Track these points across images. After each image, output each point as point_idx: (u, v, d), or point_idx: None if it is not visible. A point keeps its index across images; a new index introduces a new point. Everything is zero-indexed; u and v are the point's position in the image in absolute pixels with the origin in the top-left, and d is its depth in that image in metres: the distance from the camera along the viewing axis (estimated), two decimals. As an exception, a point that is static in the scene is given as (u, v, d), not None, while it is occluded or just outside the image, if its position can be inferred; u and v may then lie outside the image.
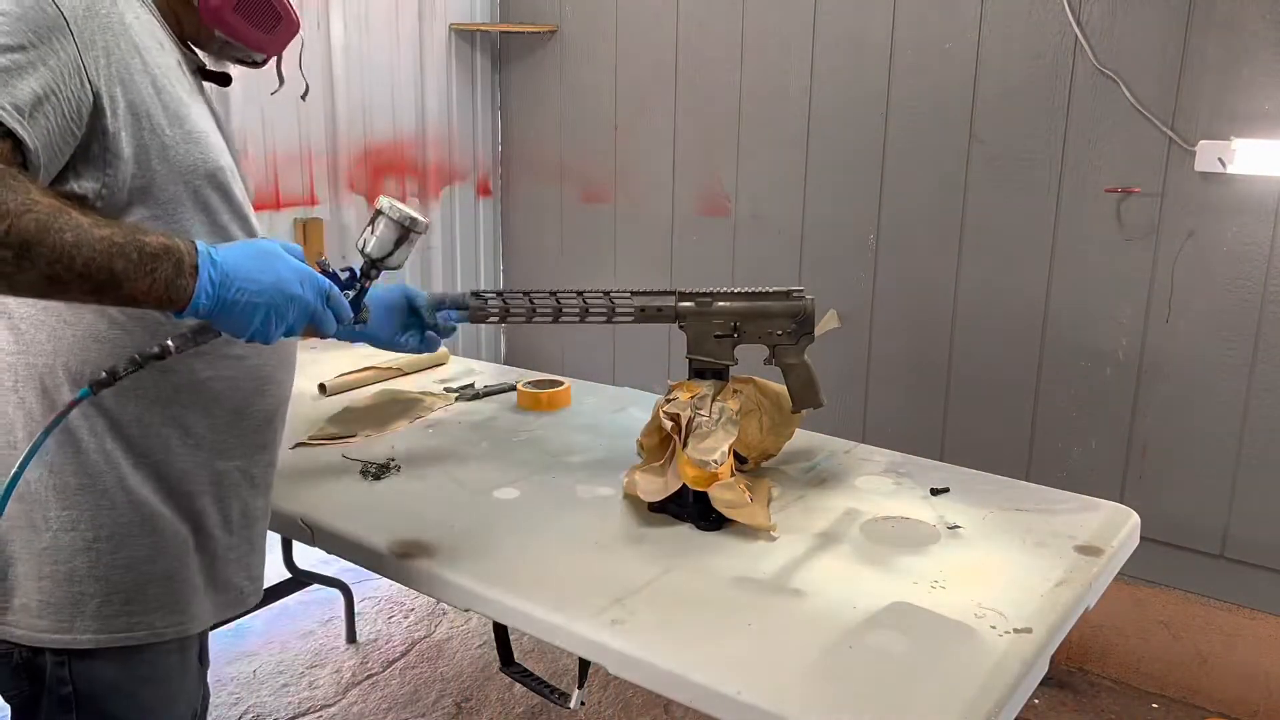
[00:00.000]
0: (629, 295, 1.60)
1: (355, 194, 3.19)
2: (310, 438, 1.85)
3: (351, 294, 1.26)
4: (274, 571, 2.89)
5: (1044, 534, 1.48)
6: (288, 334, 1.11)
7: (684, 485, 1.47)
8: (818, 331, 1.62)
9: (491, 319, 1.64)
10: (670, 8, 3.15)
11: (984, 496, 1.62)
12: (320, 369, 2.28)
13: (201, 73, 1.28)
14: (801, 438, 1.81)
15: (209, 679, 1.38)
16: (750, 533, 1.46)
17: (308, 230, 3.01)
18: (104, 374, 1.06)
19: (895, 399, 2.91)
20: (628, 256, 3.42)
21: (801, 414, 1.68)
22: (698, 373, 1.60)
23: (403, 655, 2.75)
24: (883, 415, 2.93)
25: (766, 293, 1.60)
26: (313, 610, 2.95)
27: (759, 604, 1.28)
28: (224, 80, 1.33)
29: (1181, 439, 2.48)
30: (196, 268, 1.02)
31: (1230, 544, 2.47)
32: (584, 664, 1.37)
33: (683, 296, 1.60)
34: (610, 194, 3.42)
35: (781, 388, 1.65)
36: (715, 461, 1.44)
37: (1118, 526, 1.52)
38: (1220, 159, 2.29)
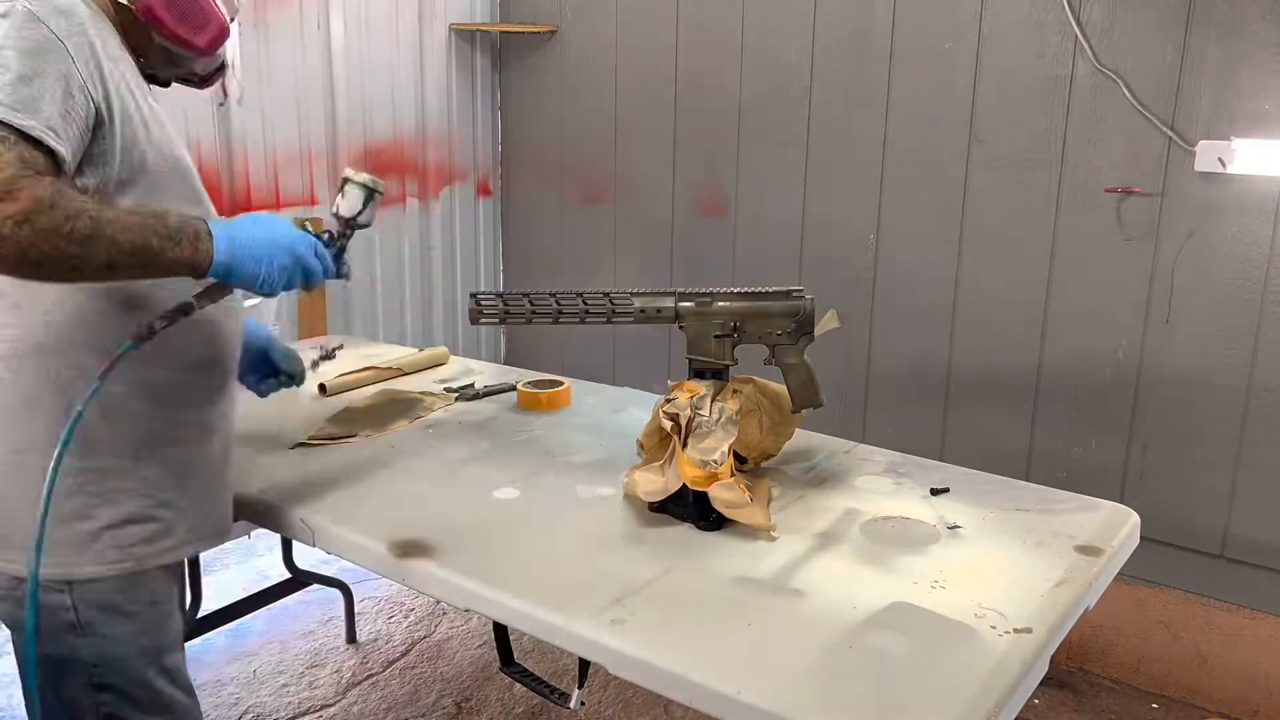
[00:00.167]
0: (629, 296, 1.60)
1: (355, 194, 3.19)
2: (310, 438, 1.85)
3: (333, 251, 1.42)
4: (274, 571, 2.91)
5: (1044, 534, 1.48)
6: (288, 286, 1.32)
7: (684, 485, 1.47)
8: (818, 331, 1.62)
9: (491, 320, 1.64)
10: (670, 8, 3.15)
11: (984, 496, 1.62)
12: (321, 369, 2.28)
13: (148, 79, 1.42)
14: (801, 438, 1.81)
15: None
16: (750, 533, 1.46)
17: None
18: (144, 328, 1.25)
19: (895, 398, 2.91)
20: (628, 256, 3.42)
21: (801, 414, 1.67)
22: (698, 373, 1.60)
23: (403, 655, 2.75)
24: (883, 415, 2.93)
25: (766, 293, 1.60)
26: (313, 610, 2.95)
27: (759, 604, 1.28)
28: (164, 82, 1.48)
29: (1181, 439, 2.48)
30: (211, 234, 1.23)
31: (1230, 544, 2.47)
32: (584, 664, 1.37)
33: (683, 296, 1.60)
34: (610, 194, 3.42)
35: (781, 388, 1.65)
36: (715, 461, 1.44)
37: (1118, 526, 1.52)
38: (1220, 159, 2.29)
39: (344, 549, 1.50)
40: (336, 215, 1.46)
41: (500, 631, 1.57)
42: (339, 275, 1.44)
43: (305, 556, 2.70)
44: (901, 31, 2.73)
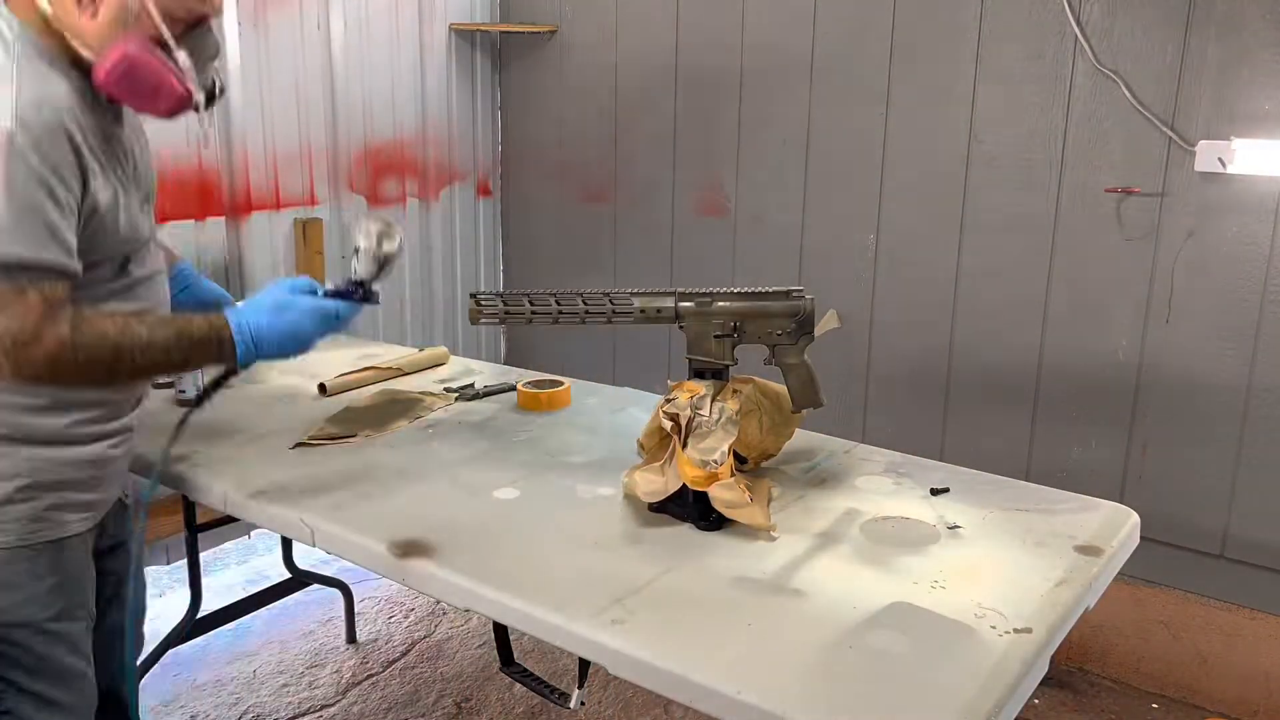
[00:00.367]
0: (629, 296, 1.60)
1: (355, 194, 3.19)
2: (310, 438, 1.85)
3: (358, 296, 1.54)
4: (274, 571, 2.92)
5: (1044, 534, 1.48)
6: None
7: (684, 485, 1.47)
8: (818, 331, 1.62)
9: (491, 320, 1.64)
10: (670, 8, 3.15)
11: (984, 496, 1.62)
12: (320, 369, 2.29)
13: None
14: (801, 438, 1.81)
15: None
16: (750, 533, 1.46)
17: (307, 230, 3.01)
18: (200, 393, 1.59)
19: (895, 399, 2.91)
20: (628, 256, 3.42)
21: (801, 414, 1.67)
22: (698, 373, 1.60)
23: (403, 655, 2.75)
24: (883, 415, 2.93)
25: (766, 293, 1.60)
26: (313, 610, 2.95)
27: (759, 604, 1.28)
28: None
29: (1181, 439, 2.48)
30: (234, 341, 1.38)
31: (1230, 544, 2.47)
32: (584, 664, 1.37)
33: (683, 296, 1.60)
34: (610, 194, 3.42)
35: (781, 388, 1.65)
36: (715, 461, 1.44)
37: (1118, 526, 1.52)
38: (1220, 159, 2.29)
39: (344, 549, 1.50)
40: (351, 278, 1.55)
41: (500, 631, 1.57)
42: (376, 303, 1.58)
43: (305, 556, 2.70)
44: (901, 31, 2.73)
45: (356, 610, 2.85)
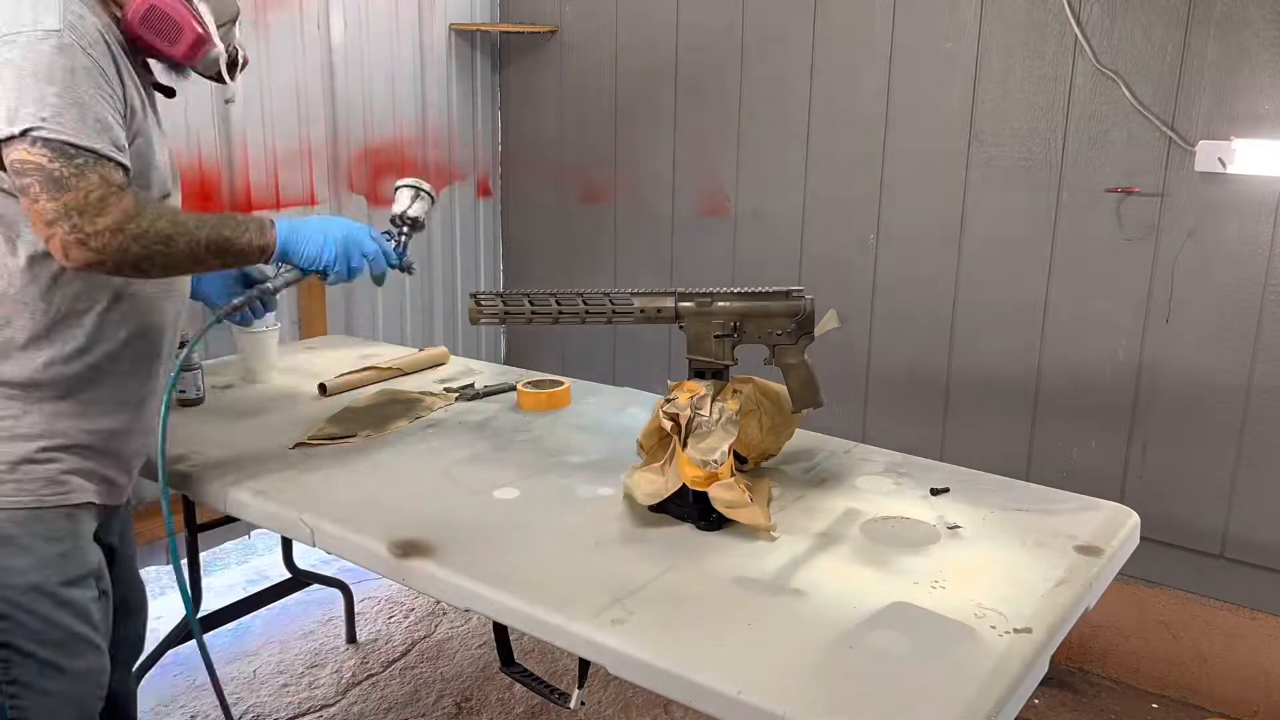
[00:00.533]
0: (629, 296, 1.60)
1: (355, 194, 3.19)
2: (310, 438, 1.85)
3: (393, 245, 1.66)
4: (274, 571, 2.91)
5: (1044, 534, 1.48)
6: (350, 269, 1.56)
7: (684, 485, 1.47)
8: (818, 331, 1.62)
9: (491, 320, 1.64)
10: (670, 8, 3.15)
11: (984, 496, 1.62)
12: (320, 369, 2.29)
13: (154, 85, 1.53)
14: (801, 438, 1.81)
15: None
16: (750, 533, 1.46)
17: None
18: (230, 306, 1.58)
19: (895, 399, 2.91)
20: (628, 256, 3.42)
21: (802, 414, 1.68)
22: (698, 373, 1.60)
23: (403, 655, 2.75)
24: (882, 415, 2.93)
25: (766, 293, 1.60)
26: (313, 610, 2.95)
27: (759, 604, 1.28)
28: (170, 92, 1.57)
29: (1181, 439, 2.48)
30: (273, 222, 1.48)
31: (1230, 544, 2.47)
32: (584, 664, 1.37)
33: (683, 296, 1.60)
34: (610, 194, 3.42)
35: (781, 388, 1.65)
36: (715, 461, 1.44)
37: (1118, 526, 1.52)
38: (1220, 159, 2.29)
39: (344, 549, 1.50)
40: (402, 216, 1.70)
41: (500, 631, 1.57)
42: (401, 266, 1.67)
43: (305, 556, 2.70)
44: (901, 31, 2.73)
45: (356, 610, 2.85)
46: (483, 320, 1.64)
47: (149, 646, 2.02)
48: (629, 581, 1.32)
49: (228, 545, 3.13)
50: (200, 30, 1.46)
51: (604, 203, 3.43)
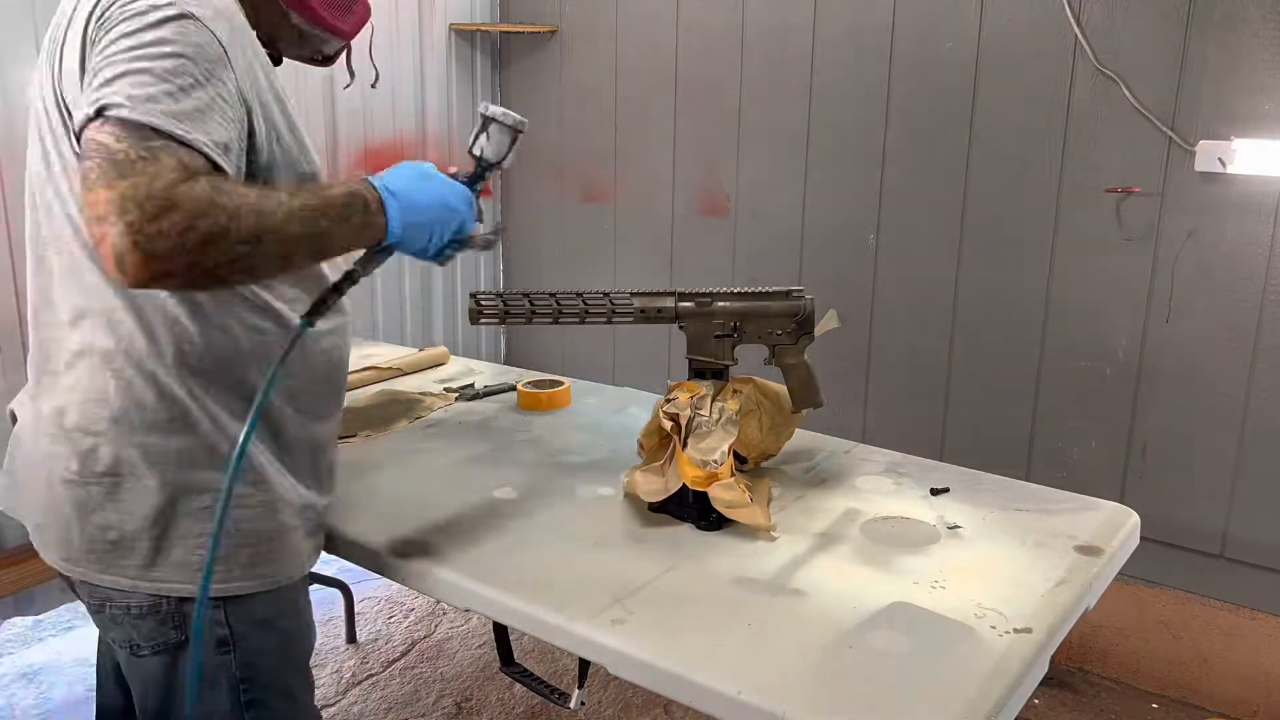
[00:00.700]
0: (629, 296, 1.60)
1: (355, 194, 3.19)
2: (310, 438, 1.85)
3: (488, 176, 1.42)
4: (274, 571, 2.91)
5: (1044, 534, 1.48)
6: (440, 250, 1.30)
7: (684, 485, 1.47)
8: (818, 331, 1.62)
9: (491, 320, 1.64)
10: (670, 8, 3.15)
11: (984, 496, 1.62)
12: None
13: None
14: (801, 438, 1.81)
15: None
16: (750, 533, 1.46)
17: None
18: (313, 304, 1.20)
19: (895, 399, 2.91)
20: (628, 256, 3.42)
21: (801, 414, 1.67)
22: (698, 373, 1.60)
23: (403, 655, 2.75)
24: (883, 415, 2.93)
25: (766, 293, 1.60)
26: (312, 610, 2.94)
27: (759, 604, 1.28)
28: (278, 60, 1.40)
29: (1181, 439, 2.48)
30: (381, 203, 1.17)
31: (1230, 544, 2.47)
32: (584, 664, 1.37)
33: (683, 296, 1.60)
34: (610, 194, 3.42)
35: (781, 388, 1.65)
36: (715, 461, 1.44)
37: (1118, 526, 1.52)
38: (1220, 159, 2.29)
39: (344, 549, 1.49)
40: (479, 157, 1.37)
41: (500, 631, 1.57)
42: (493, 170, 1.42)
43: (305, 556, 2.70)
44: (901, 31, 2.73)
45: (356, 610, 2.85)
46: (483, 320, 1.64)
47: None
48: (629, 581, 1.32)
49: (228, 545, 3.12)
50: (369, 4, 1.36)
51: (604, 203, 3.43)
